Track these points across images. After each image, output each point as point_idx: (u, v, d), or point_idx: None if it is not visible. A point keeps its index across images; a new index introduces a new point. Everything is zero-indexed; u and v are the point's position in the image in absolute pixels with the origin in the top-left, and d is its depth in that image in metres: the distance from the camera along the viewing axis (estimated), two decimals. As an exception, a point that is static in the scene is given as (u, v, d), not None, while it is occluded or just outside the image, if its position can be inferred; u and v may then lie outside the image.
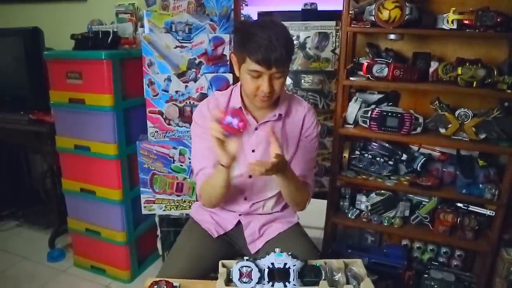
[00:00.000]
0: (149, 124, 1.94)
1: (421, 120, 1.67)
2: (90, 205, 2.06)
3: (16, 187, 2.84)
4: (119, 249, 2.06)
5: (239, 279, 0.96)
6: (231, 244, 1.42)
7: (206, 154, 1.27)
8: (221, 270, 1.08)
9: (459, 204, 1.76)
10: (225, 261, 1.08)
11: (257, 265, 0.96)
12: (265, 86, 1.14)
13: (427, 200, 1.80)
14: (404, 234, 1.85)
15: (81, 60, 1.88)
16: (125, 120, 1.94)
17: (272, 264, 0.97)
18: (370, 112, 1.70)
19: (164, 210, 2.02)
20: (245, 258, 0.97)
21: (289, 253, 0.98)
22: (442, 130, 1.66)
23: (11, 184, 2.79)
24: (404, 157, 1.78)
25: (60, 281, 2.12)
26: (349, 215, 1.85)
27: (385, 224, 1.79)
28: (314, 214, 1.80)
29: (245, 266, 0.96)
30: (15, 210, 2.76)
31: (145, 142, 1.95)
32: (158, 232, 2.06)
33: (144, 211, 2.01)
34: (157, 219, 2.04)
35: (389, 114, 1.67)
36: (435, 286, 1.81)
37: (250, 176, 1.30)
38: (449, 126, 1.63)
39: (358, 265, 1.08)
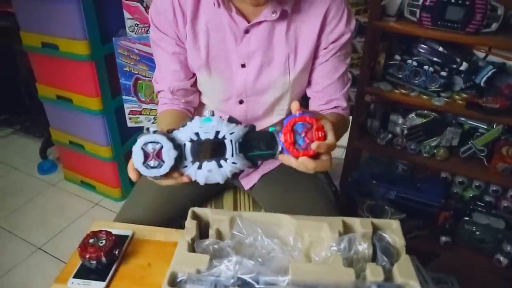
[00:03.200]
0: (126, 15, 1.51)
1: (500, 11, 1.12)
2: (69, 115, 1.77)
3: (11, 91, 2.58)
4: (106, 165, 1.81)
5: (143, 163, 0.61)
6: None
7: (166, 71, 0.92)
8: (189, 224, 0.75)
9: (531, 135, 1.30)
10: (197, 209, 0.77)
11: (171, 139, 0.61)
12: None
13: (486, 127, 1.34)
14: (449, 169, 1.43)
15: None
16: (97, 9, 1.51)
17: (197, 134, 0.61)
18: (423, -2, 1.17)
19: (153, 123, 1.70)
20: (151, 129, 0.61)
21: (224, 117, 0.62)
22: (530, 27, 1.12)
23: (6, 89, 2.53)
24: (464, 66, 1.27)
25: (48, 196, 1.95)
26: (379, 139, 1.44)
27: (425, 155, 1.37)
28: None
29: (151, 143, 0.60)
30: (10, 116, 2.54)
31: (124, 38, 1.54)
32: (149, 149, 1.77)
33: (129, 124, 1.70)
34: (146, 134, 1.74)
35: (452, 0, 1.13)
36: (477, 233, 1.45)
37: (241, 102, 0.92)
38: (543, 20, 1.09)
39: (393, 231, 0.74)
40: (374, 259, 0.72)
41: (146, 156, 0.61)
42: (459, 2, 1.12)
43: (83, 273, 0.74)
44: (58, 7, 1.49)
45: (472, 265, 1.46)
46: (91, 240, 0.74)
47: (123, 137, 1.81)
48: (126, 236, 0.81)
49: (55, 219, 1.79)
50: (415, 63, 1.27)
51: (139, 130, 1.82)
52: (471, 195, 1.56)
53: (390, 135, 1.43)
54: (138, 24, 1.52)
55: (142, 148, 0.61)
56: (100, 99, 1.64)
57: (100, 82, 1.61)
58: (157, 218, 0.93)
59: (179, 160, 0.62)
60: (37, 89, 1.78)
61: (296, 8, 0.82)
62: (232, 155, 0.61)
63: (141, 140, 0.60)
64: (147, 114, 1.69)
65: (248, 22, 0.82)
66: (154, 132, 0.61)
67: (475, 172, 1.34)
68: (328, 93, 0.91)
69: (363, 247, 0.72)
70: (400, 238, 0.73)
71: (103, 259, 0.73)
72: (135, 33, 1.54)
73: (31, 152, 2.22)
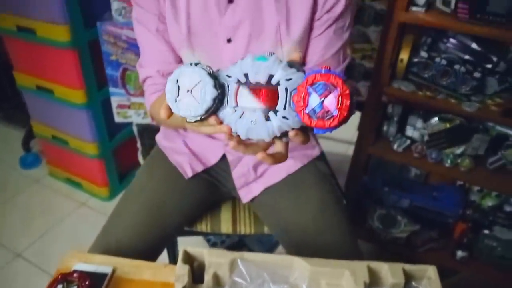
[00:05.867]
0: (112, -4, 1.32)
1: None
2: (51, 107, 1.60)
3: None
4: (92, 162, 1.66)
5: (176, 100, 0.48)
6: (215, 186, 0.97)
7: (151, 53, 0.82)
8: (180, 269, 0.62)
9: None
10: (191, 250, 0.65)
11: (214, 77, 0.47)
12: None
13: (518, 134, 1.20)
14: (475, 182, 1.28)
15: None
16: (79, -11, 1.32)
17: (246, 76, 0.47)
18: (459, -15, 0.99)
19: (143, 118, 1.54)
20: (192, 62, 0.48)
21: (282, 61, 0.48)
22: None
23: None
24: (501, 67, 1.10)
25: (31, 194, 1.79)
26: (395, 146, 1.28)
27: (447, 165, 1.22)
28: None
29: (189, 76, 0.47)
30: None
31: (110, 23, 1.36)
32: (139, 145, 1.61)
33: (117, 119, 1.54)
34: (135, 129, 1.58)
35: (495, -11, 0.96)
36: (499, 249, 1.33)
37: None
38: None
39: (429, 281, 0.64)
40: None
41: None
42: (504, -9, 0.95)
43: (48, 327, 0.60)
44: (34, -14, 1.30)
45: (491, 284, 1.34)
46: (59, 286, 0.61)
47: (111, 132, 1.64)
48: (105, 275, 0.67)
49: (38, 221, 1.64)
50: (444, 62, 1.10)
51: (129, 126, 1.65)
52: (490, 205, 1.43)
53: (408, 141, 1.28)
54: (125, 7, 1.34)
55: (177, 82, 0.48)
56: (84, 91, 1.46)
57: (84, 72, 1.43)
58: (143, 241, 0.82)
59: (219, 103, 0.48)
60: (15, 77, 1.60)
61: None
62: (285, 108, 0.46)
63: (177, 72, 0.48)
64: (137, 109, 1.52)
65: None
66: (196, 64, 0.47)
67: (503, 185, 1.19)
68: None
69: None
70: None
71: (74, 311, 0.59)
72: (123, 17, 1.35)
73: (14, 143, 2.05)
